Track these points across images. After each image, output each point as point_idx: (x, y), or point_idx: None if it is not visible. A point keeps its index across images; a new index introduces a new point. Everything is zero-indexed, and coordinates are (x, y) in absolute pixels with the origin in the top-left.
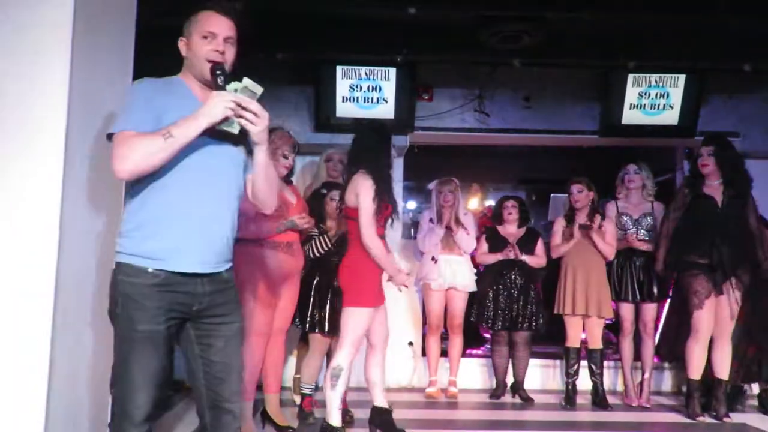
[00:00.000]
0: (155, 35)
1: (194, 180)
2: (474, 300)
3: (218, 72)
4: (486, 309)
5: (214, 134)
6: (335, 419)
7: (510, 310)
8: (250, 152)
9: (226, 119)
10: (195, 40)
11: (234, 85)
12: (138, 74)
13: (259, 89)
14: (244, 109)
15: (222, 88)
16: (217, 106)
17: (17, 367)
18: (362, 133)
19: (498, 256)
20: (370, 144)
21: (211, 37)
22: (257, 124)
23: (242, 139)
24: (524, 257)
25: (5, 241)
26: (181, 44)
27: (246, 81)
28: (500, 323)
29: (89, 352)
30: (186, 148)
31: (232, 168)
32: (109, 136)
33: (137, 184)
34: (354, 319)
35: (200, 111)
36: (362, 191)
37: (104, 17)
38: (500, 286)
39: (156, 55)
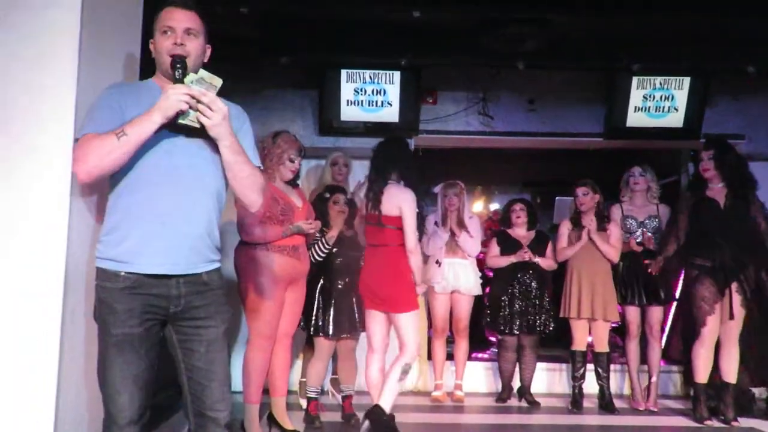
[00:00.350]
0: None
1: (159, 179)
2: (487, 305)
3: (177, 65)
4: (501, 314)
5: (176, 130)
6: (388, 406)
7: (527, 314)
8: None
9: (181, 113)
10: (157, 37)
11: (191, 77)
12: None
13: (218, 81)
14: (199, 101)
15: (180, 81)
16: (169, 98)
17: (27, 367)
18: (388, 145)
19: (511, 259)
20: (398, 155)
21: (170, 30)
22: (211, 117)
23: (205, 132)
24: (537, 259)
25: (14, 243)
26: (151, 45)
27: (202, 72)
28: (517, 327)
29: (97, 352)
30: (150, 147)
31: (202, 163)
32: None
33: (111, 188)
34: (412, 323)
35: (154, 107)
36: (406, 204)
37: (111, 22)
38: (515, 291)
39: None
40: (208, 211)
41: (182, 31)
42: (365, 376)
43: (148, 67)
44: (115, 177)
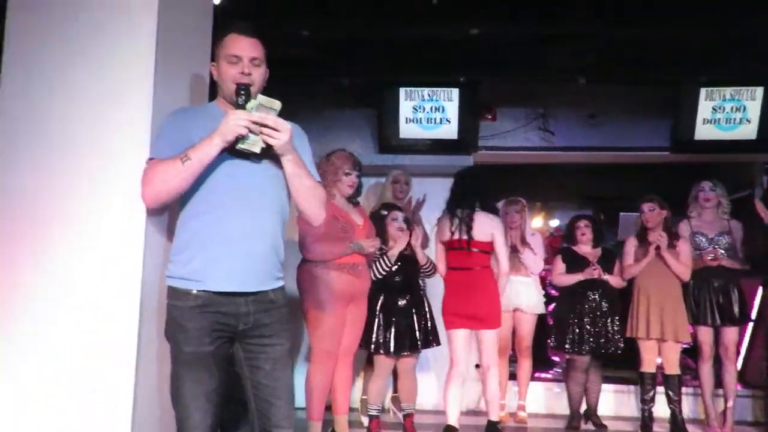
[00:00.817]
0: None
1: (225, 199)
2: (551, 324)
3: (241, 92)
4: (568, 333)
5: (235, 154)
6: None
7: (596, 334)
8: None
9: (241, 137)
10: (222, 65)
11: (251, 103)
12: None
13: (276, 104)
14: (262, 125)
15: (242, 107)
16: (229, 124)
17: (103, 384)
18: (469, 175)
19: (579, 276)
20: (480, 185)
21: (237, 60)
22: (278, 137)
23: (268, 154)
24: (606, 277)
25: (91, 263)
26: (212, 69)
27: (260, 98)
28: (586, 348)
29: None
30: (216, 168)
31: (267, 183)
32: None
33: (180, 209)
34: (497, 339)
35: (215, 131)
36: (497, 230)
37: (183, 51)
38: (585, 309)
39: None
40: (274, 228)
41: (248, 61)
42: (445, 392)
43: (213, 90)
44: (184, 198)
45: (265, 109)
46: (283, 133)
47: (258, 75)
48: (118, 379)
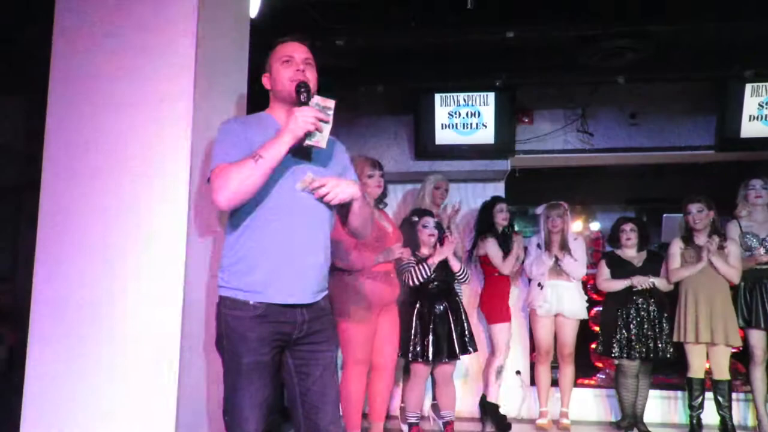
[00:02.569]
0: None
1: (286, 211)
2: (596, 329)
3: (302, 90)
4: (615, 338)
5: (302, 152)
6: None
7: (645, 339)
8: (338, 174)
9: (309, 134)
10: (276, 68)
11: (315, 99)
12: (252, 113)
13: (330, 102)
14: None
15: (305, 104)
16: (298, 120)
17: (149, 390)
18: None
19: (625, 283)
20: None
21: (290, 59)
22: (330, 191)
23: (328, 163)
24: (653, 279)
25: (138, 275)
26: (265, 79)
27: (317, 98)
28: (636, 353)
29: (212, 376)
30: (275, 180)
31: (323, 205)
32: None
33: (234, 219)
34: None
35: (283, 129)
36: None
37: (222, 64)
38: (629, 314)
39: (266, 95)
40: (325, 239)
41: (302, 61)
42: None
43: (254, 104)
44: (240, 209)
45: (321, 107)
46: (331, 190)
47: (312, 75)
48: (160, 389)
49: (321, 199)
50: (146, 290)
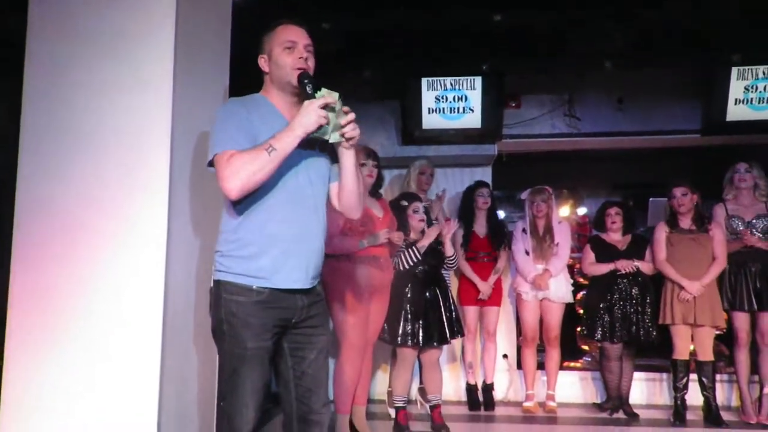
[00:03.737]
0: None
1: (288, 197)
2: (581, 313)
3: (306, 80)
4: (599, 321)
5: (309, 143)
6: None
7: (628, 322)
8: (333, 161)
9: (320, 127)
10: (277, 53)
11: (322, 92)
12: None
13: (335, 95)
14: (336, 115)
15: (311, 96)
16: (311, 116)
17: (130, 382)
18: None
19: (610, 266)
20: None
21: (293, 46)
22: (355, 134)
23: (326, 148)
24: (637, 263)
25: (118, 261)
26: (262, 61)
27: (324, 90)
28: (618, 336)
29: (196, 365)
30: (283, 173)
31: (318, 181)
32: (210, 163)
33: (235, 205)
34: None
35: (295, 122)
36: None
37: (202, 48)
38: (615, 297)
39: (248, 79)
40: (323, 225)
41: (304, 48)
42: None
43: (236, 87)
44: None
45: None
46: (356, 130)
47: (312, 63)
48: (143, 381)
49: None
50: (127, 274)
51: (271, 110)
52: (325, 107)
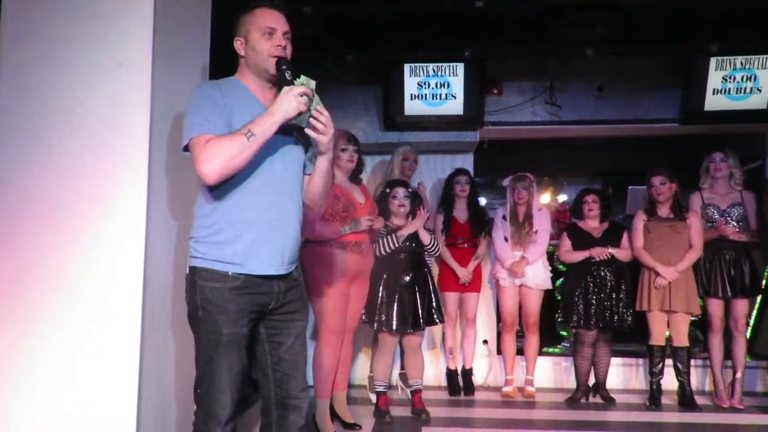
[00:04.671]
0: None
1: (263, 183)
2: (559, 299)
3: (284, 67)
4: (575, 308)
5: (286, 129)
6: None
7: (603, 308)
8: (306, 149)
9: (299, 114)
10: (255, 38)
11: (301, 79)
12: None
13: (312, 83)
14: (315, 114)
15: (290, 82)
16: (291, 102)
17: (109, 368)
18: None
19: (585, 254)
20: None
21: (272, 32)
22: (325, 133)
23: (303, 138)
24: (612, 250)
25: (95, 248)
26: (238, 44)
27: (303, 78)
28: (593, 322)
29: (175, 352)
30: (258, 160)
31: (294, 168)
32: (186, 147)
33: (210, 190)
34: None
35: (274, 107)
36: None
37: (182, 29)
38: (589, 284)
39: (228, 60)
40: (299, 211)
41: (282, 34)
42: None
43: (216, 68)
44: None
45: (305, 86)
46: (330, 129)
47: (290, 50)
48: (122, 368)
49: (299, 138)
50: (106, 259)
51: (246, 95)
52: (304, 95)
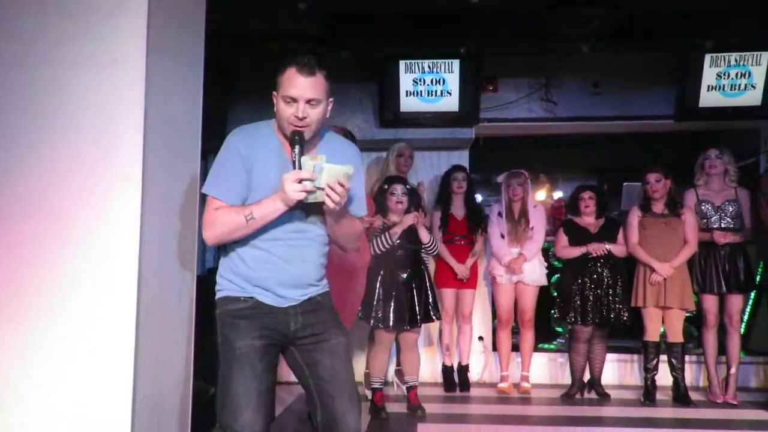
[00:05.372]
0: (224, 40)
1: (279, 234)
2: (555, 295)
3: (295, 140)
4: (572, 305)
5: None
6: None
7: (599, 304)
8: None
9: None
10: (279, 101)
11: (309, 164)
12: (208, 79)
13: (349, 168)
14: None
15: (296, 160)
16: (288, 192)
17: (104, 368)
18: None
19: (582, 250)
20: None
21: (292, 101)
22: (338, 205)
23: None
24: (608, 246)
25: (89, 246)
26: (273, 97)
27: (305, 158)
28: (590, 318)
29: (171, 352)
30: None
31: (315, 218)
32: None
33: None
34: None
35: (278, 194)
36: None
37: (176, 26)
38: (586, 280)
39: (223, 59)
40: (319, 255)
41: (304, 103)
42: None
43: (211, 65)
44: None
45: (333, 172)
46: (341, 200)
47: (315, 114)
48: (117, 367)
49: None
50: (100, 258)
51: (274, 146)
52: (309, 166)
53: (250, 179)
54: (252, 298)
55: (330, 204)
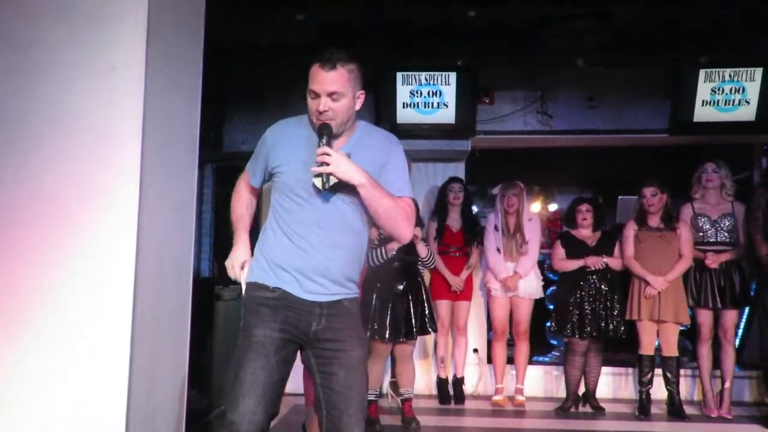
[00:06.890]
0: (223, 50)
1: (305, 222)
2: (551, 308)
3: (322, 133)
4: (568, 317)
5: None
6: None
7: (596, 317)
8: (373, 171)
9: (317, 175)
10: (307, 96)
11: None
12: (206, 88)
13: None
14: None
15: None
16: (228, 270)
17: (102, 368)
18: None
19: (579, 263)
20: None
21: (315, 95)
22: (333, 169)
23: (365, 157)
24: (606, 259)
25: (88, 249)
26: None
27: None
28: (587, 331)
29: (167, 352)
30: (297, 194)
31: (342, 205)
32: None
33: (266, 221)
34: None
35: (238, 247)
36: None
37: (175, 35)
38: (582, 293)
39: (221, 66)
40: (350, 248)
41: (326, 96)
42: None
43: (210, 69)
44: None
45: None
46: (334, 162)
47: (339, 108)
48: (113, 368)
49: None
50: (98, 261)
51: (302, 135)
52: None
53: (273, 163)
54: (279, 289)
55: (328, 170)
